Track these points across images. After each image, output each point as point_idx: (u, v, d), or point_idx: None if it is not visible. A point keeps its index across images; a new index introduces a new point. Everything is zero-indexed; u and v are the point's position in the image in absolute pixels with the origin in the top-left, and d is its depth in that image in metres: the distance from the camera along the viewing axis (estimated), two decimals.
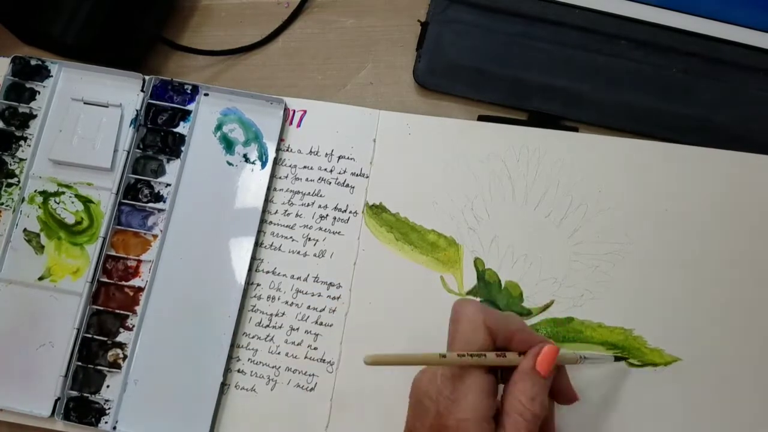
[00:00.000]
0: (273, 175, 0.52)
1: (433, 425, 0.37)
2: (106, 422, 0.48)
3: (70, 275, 0.51)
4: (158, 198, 0.52)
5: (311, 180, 0.53)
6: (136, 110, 0.53)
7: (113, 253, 0.51)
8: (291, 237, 0.52)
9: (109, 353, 0.50)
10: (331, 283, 0.51)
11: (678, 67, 0.54)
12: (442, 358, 0.36)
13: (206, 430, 0.48)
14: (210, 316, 0.50)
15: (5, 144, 0.53)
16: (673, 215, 0.50)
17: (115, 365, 0.50)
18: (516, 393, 0.37)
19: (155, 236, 0.52)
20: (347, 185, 0.52)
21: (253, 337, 0.50)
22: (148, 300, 0.51)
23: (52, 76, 0.54)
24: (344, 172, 0.53)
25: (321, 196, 0.52)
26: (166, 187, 0.52)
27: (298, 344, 0.50)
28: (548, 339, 0.40)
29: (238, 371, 0.50)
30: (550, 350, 0.38)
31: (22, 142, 0.54)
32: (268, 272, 0.51)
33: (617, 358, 0.47)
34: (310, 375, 0.49)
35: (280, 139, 0.53)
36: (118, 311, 0.50)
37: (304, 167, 0.53)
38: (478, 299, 0.49)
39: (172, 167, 0.53)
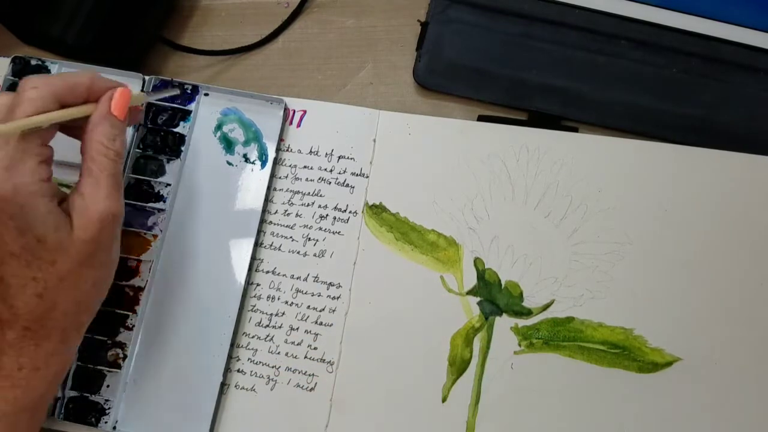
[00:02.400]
0: (273, 175, 0.53)
1: None
2: (106, 422, 0.48)
3: None
4: (158, 198, 0.52)
5: (311, 180, 0.53)
6: None
7: None
8: (291, 237, 0.52)
9: (109, 353, 0.50)
10: (331, 283, 0.51)
11: (678, 67, 0.54)
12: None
13: (206, 430, 0.48)
14: (210, 316, 0.50)
15: None
16: (673, 215, 0.50)
17: (115, 365, 0.50)
18: (96, 137, 0.39)
19: (155, 236, 0.52)
20: (347, 185, 0.52)
21: (253, 337, 0.50)
22: (148, 300, 0.51)
23: None
24: (344, 172, 0.53)
25: (321, 196, 0.52)
26: (166, 186, 0.52)
27: (298, 344, 0.50)
28: (119, 83, 0.41)
29: (238, 371, 0.50)
30: (123, 92, 0.40)
31: None
32: (268, 272, 0.51)
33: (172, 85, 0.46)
34: (310, 375, 0.49)
35: (280, 139, 0.53)
36: (117, 311, 0.50)
37: (304, 167, 0.53)
38: (477, 299, 0.49)
39: (172, 167, 0.53)
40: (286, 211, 0.52)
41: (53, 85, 0.38)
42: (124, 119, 0.40)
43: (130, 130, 0.53)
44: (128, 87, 0.40)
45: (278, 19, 0.58)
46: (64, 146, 0.53)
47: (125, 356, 0.50)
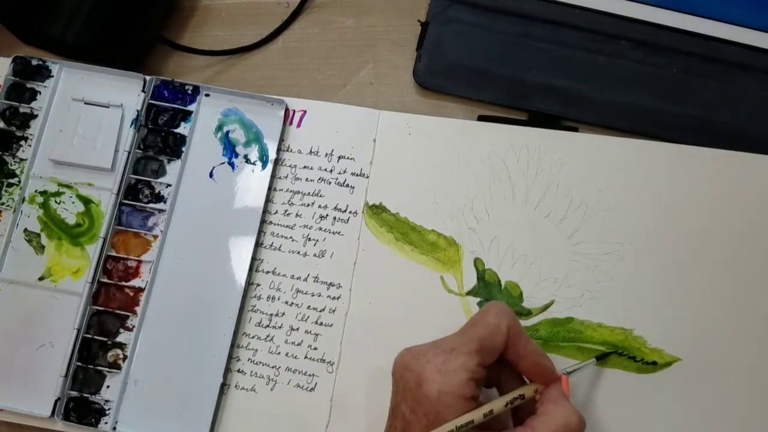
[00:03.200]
0: (273, 176, 0.53)
1: (415, 394, 0.37)
2: (105, 423, 0.49)
3: (70, 275, 0.51)
4: (159, 198, 0.52)
5: (311, 180, 0.53)
6: (137, 111, 0.53)
7: (114, 253, 0.51)
8: (291, 237, 0.52)
9: (109, 354, 0.50)
10: (331, 283, 0.51)
11: (678, 67, 0.54)
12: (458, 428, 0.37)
13: (206, 430, 0.48)
14: (210, 316, 0.50)
15: (6, 144, 0.54)
16: (673, 215, 0.50)
17: (115, 366, 0.50)
18: (562, 409, 0.38)
19: (156, 237, 0.52)
20: (347, 185, 0.52)
21: (253, 337, 0.50)
22: (149, 300, 0.51)
23: (52, 76, 0.54)
24: (344, 172, 0.53)
25: (321, 196, 0.52)
26: (166, 187, 0.52)
27: (298, 344, 0.50)
28: (558, 374, 0.41)
29: (238, 371, 0.50)
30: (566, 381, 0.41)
31: (22, 142, 0.54)
32: (268, 272, 0.51)
33: (599, 358, 0.47)
34: (310, 375, 0.49)
35: (280, 140, 0.53)
36: (118, 311, 0.50)
37: (304, 167, 0.53)
38: (477, 299, 0.49)
39: (172, 168, 0.53)
40: (286, 211, 0.52)
41: (514, 320, 0.39)
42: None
43: (131, 131, 0.53)
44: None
45: (278, 19, 0.58)
46: (64, 146, 0.53)
47: (125, 357, 0.50)
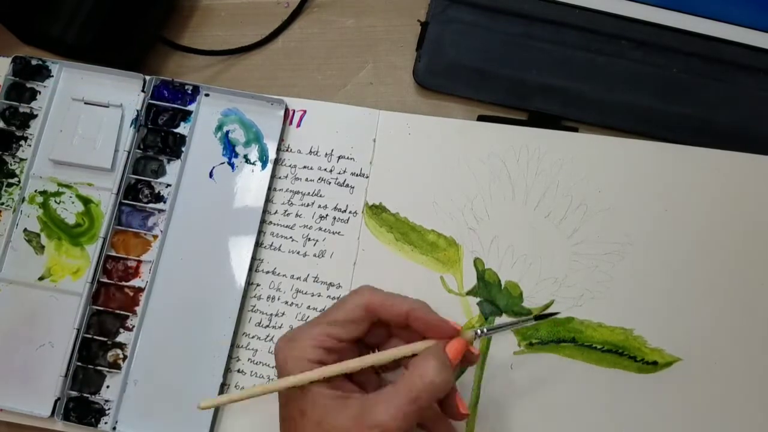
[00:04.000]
0: (273, 176, 0.52)
1: (276, 367, 0.39)
2: (105, 423, 0.49)
3: (70, 275, 0.51)
4: (158, 198, 0.52)
5: (311, 180, 0.53)
6: (137, 110, 0.53)
7: (113, 253, 0.51)
8: (291, 237, 0.52)
9: (109, 353, 0.50)
10: (331, 283, 0.51)
11: (678, 67, 0.54)
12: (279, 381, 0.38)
13: (206, 430, 0.48)
14: (210, 316, 0.50)
15: (6, 144, 0.53)
16: (673, 215, 0.50)
17: (114, 365, 0.50)
18: (419, 370, 0.37)
19: (155, 237, 0.52)
20: (347, 185, 0.52)
21: (252, 337, 0.50)
22: (149, 300, 0.51)
23: (52, 76, 0.54)
24: (344, 172, 0.53)
25: (321, 196, 0.52)
26: (166, 187, 0.52)
27: None
28: (446, 319, 0.40)
29: (238, 371, 0.50)
30: (462, 342, 0.40)
31: (22, 142, 0.54)
32: (268, 272, 0.51)
33: (538, 317, 0.42)
34: None
35: (280, 140, 0.53)
36: (118, 311, 0.50)
37: (304, 167, 0.53)
38: (477, 299, 0.49)
39: (172, 168, 0.53)
40: (285, 211, 0.52)
41: (376, 297, 0.40)
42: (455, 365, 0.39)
43: (131, 131, 0.53)
44: (471, 345, 0.40)
45: (278, 19, 0.58)
46: (64, 146, 0.53)
47: (125, 357, 0.50)
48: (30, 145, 0.53)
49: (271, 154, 0.53)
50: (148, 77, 0.54)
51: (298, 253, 0.51)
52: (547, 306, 0.49)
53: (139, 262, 0.51)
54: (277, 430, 0.49)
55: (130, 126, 0.53)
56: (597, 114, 0.53)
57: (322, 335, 0.39)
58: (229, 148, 0.53)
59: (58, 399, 0.49)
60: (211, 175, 0.53)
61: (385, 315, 0.40)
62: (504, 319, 0.49)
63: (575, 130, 0.53)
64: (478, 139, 0.52)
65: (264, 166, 0.53)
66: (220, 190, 0.52)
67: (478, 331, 0.40)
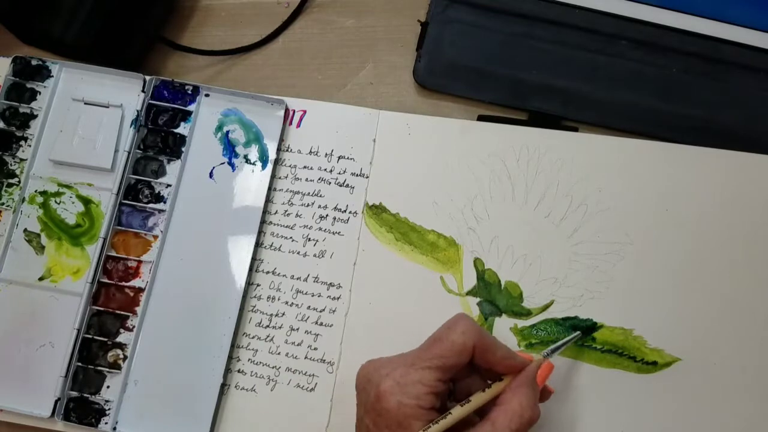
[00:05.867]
0: (273, 176, 0.52)
1: (375, 407, 0.38)
2: (106, 423, 0.49)
3: (70, 275, 0.51)
4: (159, 198, 0.52)
5: (311, 180, 0.53)
6: (137, 111, 0.53)
7: (114, 253, 0.51)
8: (291, 237, 0.52)
9: (109, 354, 0.50)
10: (331, 284, 0.51)
11: (678, 67, 0.54)
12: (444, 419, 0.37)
13: (206, 430, 0.48)
14: (210, 316, 0.50)
15: (6, 144, 0.54)
16: (673, 215, 0.50)
17: (115, 366, 0.50)
18: (519, 397, 0.38)
19: (155, 237, 0.52)
20: (347, 185, 0.52)
21: (253, 338, 0.50)
22: (149, 301, 0.51)
23: (52, 76, 0.54)
24: (344, 172, 0.53)
25: (321, 196, 0.52)
26: (166, 187, 0.52)
27: (298, 344, 0.50)
28: (528, 356, 0.41)
29: (238, 371, 0.50)
30: (549, 366, 0.41)
31: (22, 142, 0.54)
32: (268, 272, 0.51)
33: (585, 332, 0.47)
34: (310, 375, 0.49)
35: (280, 140, 0.53)
36: (118, 312, 0.50)
37: (304, 167, 0.53)
38: (477, 299, 0.49)
39: (172, 168, 0.53)
40: (286, 211, 0.52)
41: (480, 337, 0.39)
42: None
43: (131, 131, 0.53)
44: (549, 362, 0.42)
45: (278, 19, 0.58)
46: (64, 146, 0.53)
47: (125, 357, 0.50)
48: (30, 146, 0.53)
49: (271, 154, 0.53)
50: (148, 77, 0.54)
51: (298, 253, 0.51)
52: (548, 306, 0.49)
53: (139, 262, 0.51)
54: (277, 430, 0.49)
55: (130, 126, 0.53)
56: (597, 114, 0.53)
57: (434, 380, 0.38)
58: (229, 148, 0.53)
59: (59, 399, 0.49)
60: (211, 175, 0.53)
61: (480, 359, 0.39)
62: (504, 318, 0.49)
63: (575, 130, 0.53)
64: (478, 139, 0.52)
65: (264, 166, 0.53)
66: (220, 190, 0.52)
67: (545, 354, 0.42)
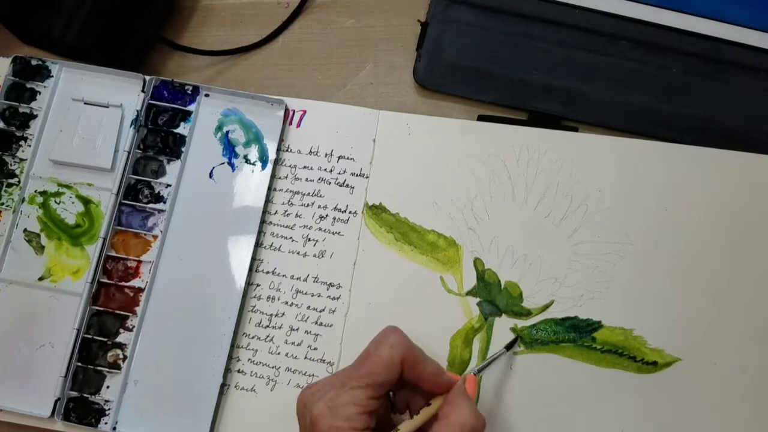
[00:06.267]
0: (273, 176, 0.52)
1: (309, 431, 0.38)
2: (105, 423, 0.49)
3: (70, 275, 0.51)
4: (158, 199, 0.52)
5: (311, 180, 0.53)
6: (137, 111, 0.53)
7: (113, 253, 0.51)
8: (291, 237, 0.52)
9: (109, 354, 0.50)
10: (330, 284, 0.51)
11: (678, 67, 0.54)
12: None
13: (206, 430, 0.48)
14: (210, 316, 0.50)
15: (6, 144, 0.54)
16: (673, 215, 0.50)
17: (114, 366, 0.50)
18: (459, 408, 0.39)
19: (155, 237, 0.52)
20: (347, 185, 0.52)
21: (252, 338, 0.50)
22: (148, 301, 0.51)
23: (52, 76, 0.54)
24: (344, 172, 0.53)
25: (321, 196, 0.52)
26: (166, 187, 0.52)
27: (297, 344, 0.50)
28: (455, 377, 0.41)
29: (238, 371, 0.50)
30: (473, 379, 0.41)
31: (22, 142, 0.54)
32: (268, 272, 0.51)
33: (508, 346, 0.47)
34: (310, 375, 0.49)
35: (280, 140, 0.53)
36: (118, 312, 0.50)
37: (304, 167, 0.53)
38: (477, 299, 0.49)
39: (172, 168, 0.53)
40: (285, 211, 0.52)
41: (408, 351, 0.39)
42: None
43: (131, 131, 0.53)
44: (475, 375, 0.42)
45: (278, 19, 0.58)
46: (64, 146, 0.53)
47: (125, 357, 0.50)
48: (30, 146, 0.53)
49: (271, 155, 0.53)
50: (148, 77, 0.54)
51: (298, 253, 0.51)
52: (548, 306, 0.49)
53: (139, 262, 0.51)
54: (277, 430, 0.49)
55: (130, 126, 0.53)
56: (597, 114, 0.53)
57: (366, 399, 0.38)
58: (229, 149, 0.53)
59: (58, 399, 0.49)
60: (211, 175, 0.53)
61: (409, 374, 0.39)
62: (504, 318, 0.49)
63: (575, 130, 0.53)
64: (478, 139, 0.52)
65: (264, 166, 0.53)
66: (220, 191, 0.52)
67: (474, 371, 0.43)
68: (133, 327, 0.50)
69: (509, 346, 0.47)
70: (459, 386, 0.40)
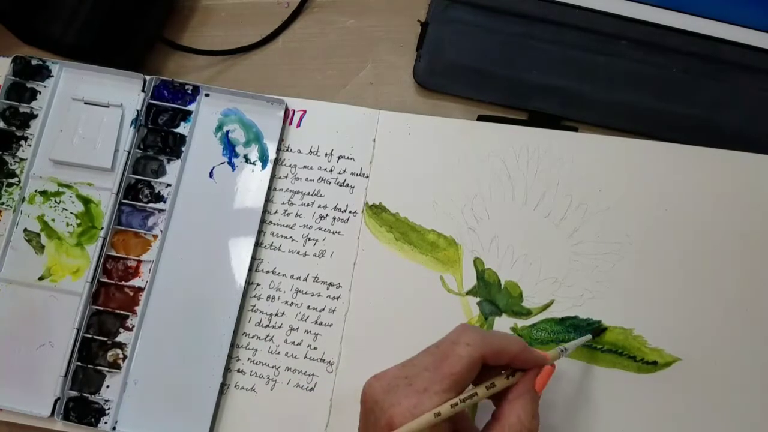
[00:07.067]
0: (273, 175, 0.52)
1: None
2: (105, 422, 0.49)
3: (70, 275, 0.51)
4: (158, 198, 0.52)
5: (311, 180, 0.53)
6: (137, 110, 0.53)
7: (113, 253, 0.51)
8: (291, 237, 0.52)
9: (109, 353, 0.50)
10: (330, 283, 0.51)
11: (678, 67, 0.54)
12: (437, 416, 0.36)
13: (206, 430, 0.48)
14: (210, 316, 0.50)
15: (6, 144, 0.54)
16: (673, 215, 0.50)
17: (114, 365, 0.50)
18: (516, 410, 0.38)
19: (155, 236, 0.52)
20: (347, 185, 0.52)
21: (252, 337, 0.50)
22: (148, 300, 0.51)
23: (52, 76, 0.54)
24: (344, 172, 0.53)
25: (321, 196, 0.52)
26: (166, 187, 0.52)
27: (297, 344, 0.50)
28: (543, 354, 0.40)
29: (238, 371, 0.50)
30: (549, 370, 0.40)
31: (22, 142, 0.54)
32: (268, 272, 0.51)
33: (594, 334, 0.47)
34: (309, 375, 0.49)
35: (280, 140, 0.53)
36: (118, 311, 0.50)
37: (304, 167, 0.53)
38: (477, 299, 0.49)
39: (172, 167, 0.53)
40: (285, 211, 0.52)
41: (486, 346, 0.38)
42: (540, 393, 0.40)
43: (131, 131, 0.53)
44: (552, 364, 0.40)
45: (278, 19, 0.58)
46: (64, 146, 0.53)
47: (125, 357, 0.50)
48: (30, 145, 0.53)
49: (271, 154, 0.53)
50: (148, 77, 0.54)
51: (298, 252, 0.51)
52: (548, 306, 0.49)
53: (139, 261, 0.51)
54: (276, 430, 0.49)
55: (130, 126, 0.53)
56: (597, 114, 0.53)
57: (445, 402, 0.36)
58: (229, 148, 0.53)
59: (58, 399, 0.49)
60: (211, 175, 0.53)
61: (494, 362, 0.38)
62: (504, 318, 0.49)
63: (575, 130, 0.53)
64: (478, 139, 0.52)
65: (264, 166, 0.53)
66: (220, 190, 0.52)
67: (562, 349, 0.42)
68: (133, 326, 0.50)
69: (596, 333, 0.47)
70: (526, 383, 0.39)
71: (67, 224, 0.52)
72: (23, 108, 0.54)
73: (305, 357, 0.50)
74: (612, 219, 0.50)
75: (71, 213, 0.52)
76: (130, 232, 0.52)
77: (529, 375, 0.39)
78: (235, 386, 0.50)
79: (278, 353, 0.50)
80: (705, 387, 0.47)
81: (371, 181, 0.52)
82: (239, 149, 0.53)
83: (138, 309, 0.50)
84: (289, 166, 0.53)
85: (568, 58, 0.54)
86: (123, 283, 0.51)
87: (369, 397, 0.38)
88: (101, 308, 0.50)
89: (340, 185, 0.52)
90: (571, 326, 0.48)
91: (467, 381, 0.38)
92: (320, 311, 0.50)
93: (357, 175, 0.52)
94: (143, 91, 0.53)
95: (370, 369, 0.49)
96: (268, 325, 0.50)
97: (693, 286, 0.49)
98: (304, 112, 0.54)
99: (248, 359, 0.50)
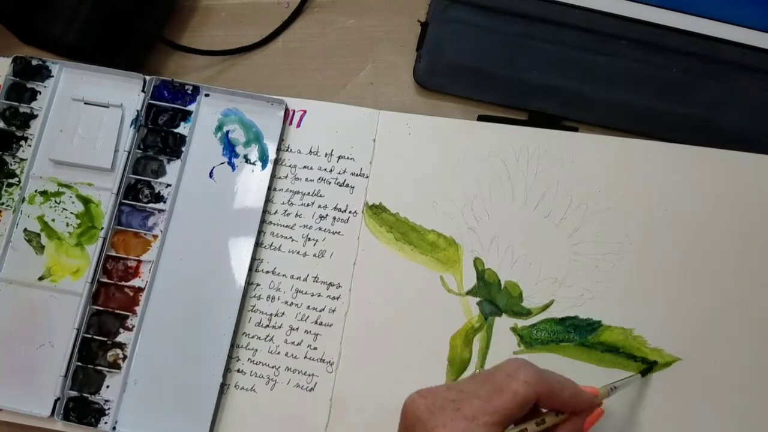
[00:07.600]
0: (273, 175, 0.52)
1: None
2: (105, 422, 0.49)
3: (70, 275, 0.51)
4: (158, 198, 0.52)
5: (311, 180, 0.53)
6: (137, 111, 0.53)
7: (113, 253, 0.51)
8: (291, 237, 0.52)
9: (109, 353, 0.50)
10: (330, 283, 0.51)
11: (678, 67, 0.54)
12: None
13: (206, 430, 0.48)
14: (210, 316, 0.50)
15: (6, 144, 0.54)
16: (673, 215, 0.50)
17: (114, 365, 0.50)
18: None
19: (155, 236, 0.52)
20: (347, 185, 0.52)
21: (252, 337, 0.50)
22: (148, 300, 0.51)
23: (52, 76, 0.54)
24: (344, 172, 0.53)
25: (321, 196, 0.52)
26: (166, 187, 0.52)
27: (297, 344, 0.50)
28: (593, 392, 0.40)
29: (238, 371, 0.50)
30: (599, 413, 0.40)
31: (22, 142, 0.54)
32: (267, 272, 0.51)
33: (644, 372, 0.47)
34: (309, 375, 0.49)
35: (280, 140, 0.53)
36: (118, 311, 0.50)
37: (304, 167, 0.53)
38: (477, 299, 0.49)
39: (172, 168, 0.53)
40: (285, 211, 0.52)
41: (543, 386, 0.37)
42: None
43: (131, 131, 0.53)
44: (601, 407, 0.40)
45: (278, 19, 0.58)
46: (64, 146, 0.53)
47: (125, 357, 0.50)
48: (30, 145, 0.53)
49: (271, 154, 0.53)
50: (148, 77, 0.54)
51: (298, 253, 0.51)
52: (548, 306, 0.49)
53: (139, 262, 0.51)
54: (276, 430, 0.49)
55: (130, 126, 0.53)
56: (597, 114, 0.53)
57: None
58: (229, 148, 0.53)
59: (58, 399, 0.49)
60: (211, 175, 0.53)
61: (545, 403, 0.38)
62: (504, 318, 0.49)
63: (575, 130, 0.53)
64: (478, 139, 0.52)
65: (264, 166, 0.53)
66: (220, 190, 0.52)
67: (611, 387, 0.42)
68: (133, 327, 0.50)
69: (645, 372, 0.46)
70: (576, 423, 0.39)
71: (67, 224, 0.52)
72: (23, 108, 0.54)
73: (305, 357, 0.50)
74: (612, 219, 0.50)
75: (71, 213, 0.52)
76: (130, 232, 0.52)
77: (578, 419, 0.39)
78: (235, 386, 0.50)
79: (278, 353, 0.50)
80: (705, 387, 0.47)
81: (371, 181, 0.52)
82: (239, 149, 0.53)
83: (138, 309, 0.50)
84: (289, 166, 0.53)
85: (568, 58, 0.54)
86: (123, 283, 0.51)
87: (411, 413, 0.37)
88: (101, 308, 0.50)
89: (340, 185, 0.52)
90: (571, 326, 0.48)
91: (516, 417, 0.37)
92: (320, 311, 0.50)
93: (357, 175, 0.52)
94: (143, 91, 0.53)
95: (370, 369, 0.49)
96: (268, 325, 0.50)
97: (693, 286, 0.49)
98: (304, 112, 0.54)
99: (248, 359, 0.50)
